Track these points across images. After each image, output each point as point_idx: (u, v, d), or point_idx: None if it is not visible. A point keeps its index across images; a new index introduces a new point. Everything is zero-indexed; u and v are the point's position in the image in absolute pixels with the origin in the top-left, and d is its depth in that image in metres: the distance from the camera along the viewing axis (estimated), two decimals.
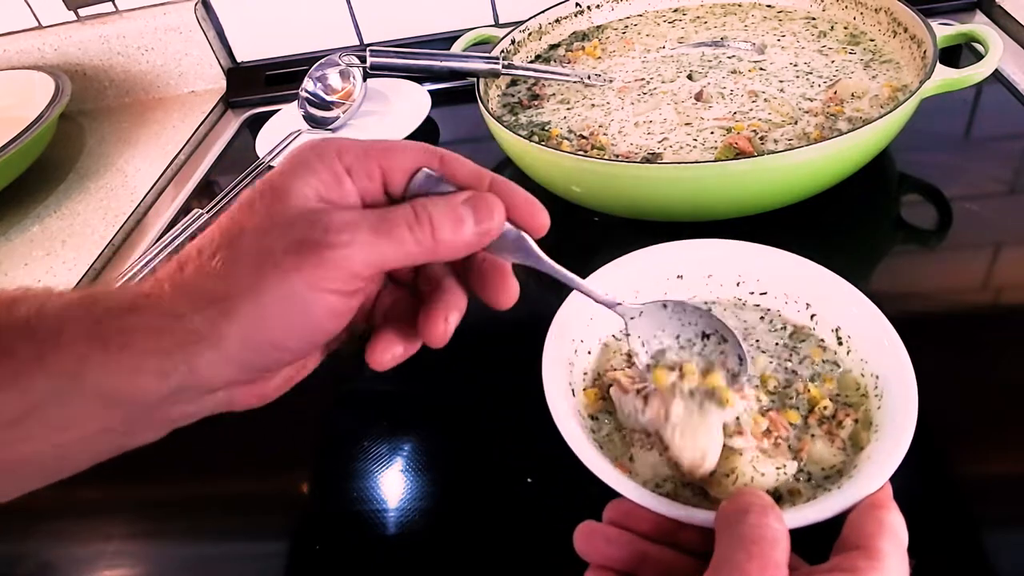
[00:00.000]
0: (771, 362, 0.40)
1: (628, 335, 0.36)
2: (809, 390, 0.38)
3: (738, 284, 0.43)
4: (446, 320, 0.30)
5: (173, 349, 0.24)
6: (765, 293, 0.43)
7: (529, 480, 0.44)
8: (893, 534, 0.29)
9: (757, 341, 0.41)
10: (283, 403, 0.54)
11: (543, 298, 0.61)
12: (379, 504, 0.45)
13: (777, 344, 0.41)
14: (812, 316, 0.41)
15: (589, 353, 0.41)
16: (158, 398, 0.25)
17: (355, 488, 0.46)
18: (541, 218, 0.30)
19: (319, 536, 0.44)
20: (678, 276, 0.44)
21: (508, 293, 0.31)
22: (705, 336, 0.36)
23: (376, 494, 0.46)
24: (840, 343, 0.40)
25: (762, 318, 0.43)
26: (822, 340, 0.41)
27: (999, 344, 0.48)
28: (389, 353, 0.30)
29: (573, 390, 0.38)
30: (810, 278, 0.41)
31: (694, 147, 0.61)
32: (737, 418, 0.34)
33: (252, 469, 0.50)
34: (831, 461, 0.35)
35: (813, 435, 0.36)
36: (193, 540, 0.47)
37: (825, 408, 0.37)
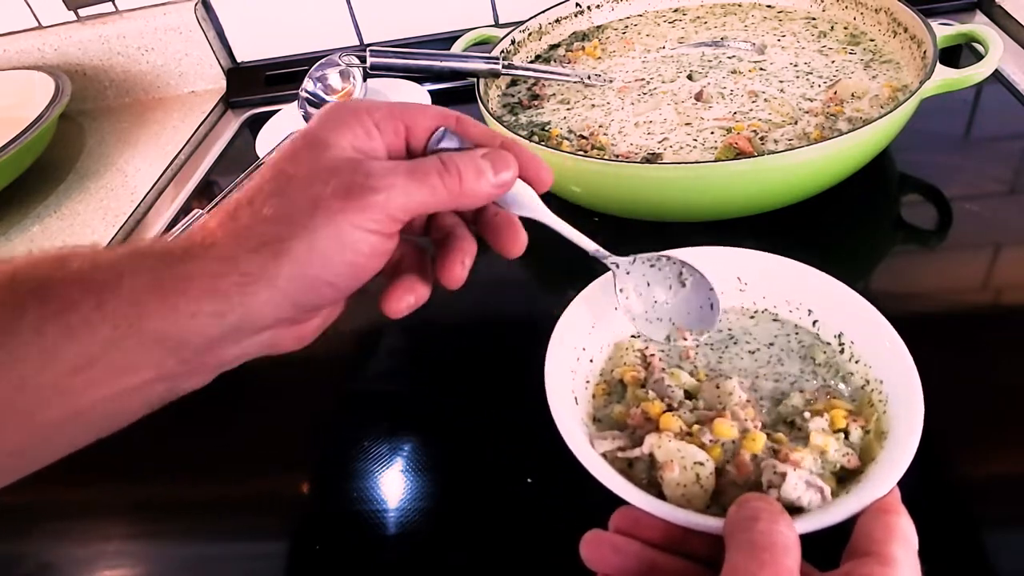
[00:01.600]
0: (769, 367, 0.40)
1: (620, 290, 0.39)
2: (815, 398, 0.38)
3: (740, 291, 0.43)
4: (463, 263, 0.33)
5: (230, 291, 0.26)
6: (766, 298, 0.43)
7: (529, 480, 0.44)
8: (904, 539, 0.28)
9: (759, 347, 0.41)
10: (284, 402, 0.54)
11: (543, 299, 0.61)
12: (379, 504, 0.45)
13: (781, 350, 0.41)
14: (815, 322, 0.41)
15: (591, 361, 0.41)
16: (213, 339, 0.27)
17: (355, 488, 0.46)
18: (545, 174, 0.33)
19: (319, 536, 0.44)
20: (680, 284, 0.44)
21: (518, 242, 0.33)
22: (682, 282, 0.40)
23: (376, 494, 0.46)
24: (843, 349, 0.40)
25: (760, 323, 0.43)
26: (827, 345, 0.40)
27: (999, 344, 0.48)
28: (404, 301, 0.32)
29: (576, 398, 0.38)
30: (812, 284, 0.41)
31: (694, 147, 0.61)
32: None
33: (252, 469, 0.50)
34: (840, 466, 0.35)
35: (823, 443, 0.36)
36: (193, 540, 0.47)
37: (835, 419, 0.37)
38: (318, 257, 0.27)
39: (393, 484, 0.46)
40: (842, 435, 0.36)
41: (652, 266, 0.40)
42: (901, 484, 0.31)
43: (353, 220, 0.27)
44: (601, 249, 0.38)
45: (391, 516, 0.44)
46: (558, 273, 0.60)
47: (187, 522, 0.48)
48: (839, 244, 0.58)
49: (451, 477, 0.46)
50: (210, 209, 0.71)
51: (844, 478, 0.34)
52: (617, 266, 0.39)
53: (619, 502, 0.32)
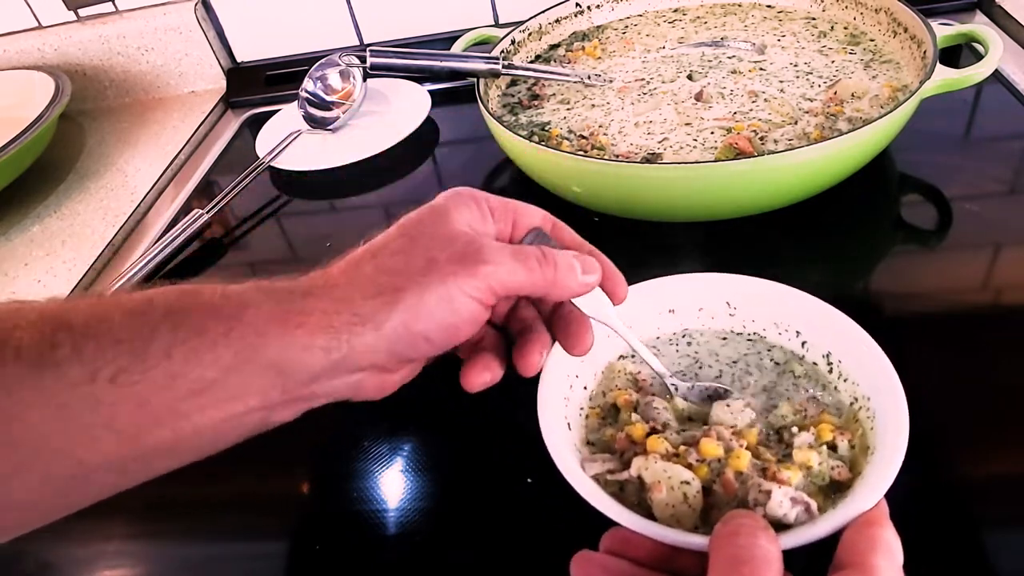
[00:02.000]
0: (763, 392, 0.40)
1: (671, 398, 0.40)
2: (804, 415, 0.38)
3: (730, 315, 0.43)
4: (540, 353, 0.36)
5: (341, 328, 0.29)
6: (755, 321, 0.43)
7: (529, 480, 0.44)
8: (887, 550, 0.29)
9: (748, 369, 0.42)
10: None
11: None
12: (379, 504, 0.45)
13: (769, 371, 0.41)
14: (803, 343, 0.42)
15: (585, 388, 0.42)
16: (316, 373, 0.29)
17: (355, 488, 0.46)
18: (622, 290, 0.37)
19: (319, 536, 0.44)
20: (670, 310, 0.44)
21: (585, 341, 0.36)
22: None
23: (376, 494, 0.46)
24: (831, 368, 0.40)
25: (753, 346, 0.43)
26: (814, 364, 0.41)
27: (999, 344, 0.48)
28: (482, 377, 0.36)
29: (569, 424, 0.39)
30: (799, 306, 0.42)
31: (694, 147, 0.61)
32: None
33: (252, 469, 0.50)
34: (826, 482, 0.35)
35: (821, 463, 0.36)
36: (193, 540, 0.47)
37: (821, 433, 0.37)
38: (425, 311, 0.30)
39: (393, 484, 0.46)
40: (829, 448, 0.36)
41: (706, 394, 0.40)
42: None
43: (461, 284, 0.31)
44: (666, 371, 0.40)
45: (391, 516, 0.44)
46: None
47: (187, 522, 0.48)
48: (839, 244, 0.58)
49: (451, 477, 0.47)
50: (210, 210, 0.71)
51: (835, 490, 0.35)
52: (676, 388, 0.40)
53: (611, 523, 0.32)
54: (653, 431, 0.37)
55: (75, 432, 0.26)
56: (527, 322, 0.37)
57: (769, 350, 0.43)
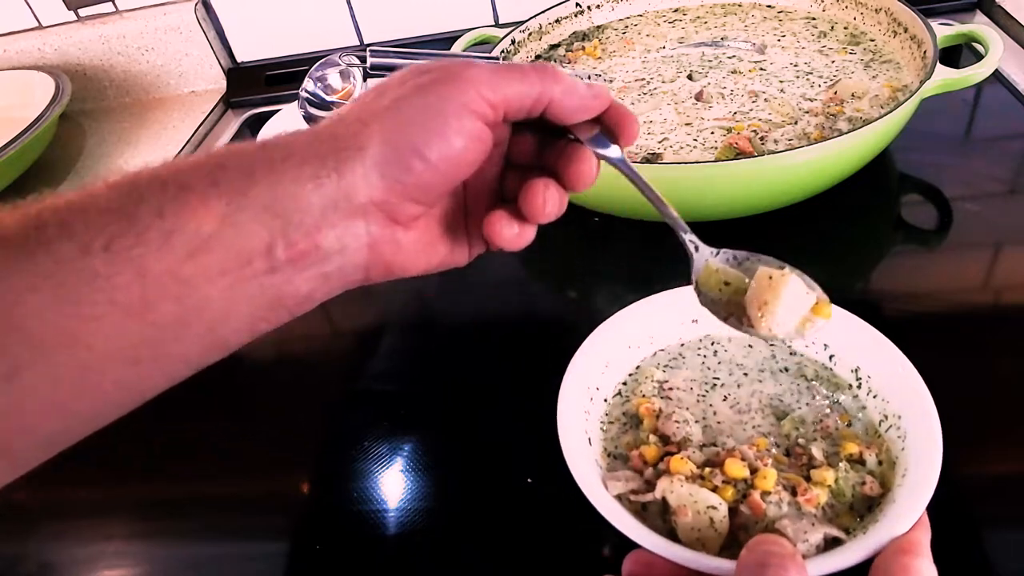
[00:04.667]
0: (793, 405, 0.40)
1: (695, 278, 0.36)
2: (835, 431, 0.38)
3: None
4: (543, 188, 0.32)
5: (326, 155, 0.28)
6: None
7: (529, 480, 0.44)
8: None
9: (775, 381, 0.41)
10: (284, 403, 0.54)
11: (543, 299, 0.61)
12: (379, 504, 0.45)
13: (796, 385, 0.41)
14: (831, 356, 0.41)
15: (605, 401, 0.41)
16: (314, 212, 0.27)
17: (355, 488, 0.46)
18: (633, 125, 0.34)
19: (319, 536, 0.44)
20: (693, 320, 0.43)
21: (589, 172, 0.33)
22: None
23: (376, 494, 0.46)
24: (860, 383, 0.40)
25: (776, 359, 0.43)
26: (842, 380, 0.40)
27: (999, 344, 0.48)
28: (507, 227, 0.32)
29: (590, 439, 0.38)
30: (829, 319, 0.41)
31: (694, 147, 0.61)
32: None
33: (252, 469, 0.50)
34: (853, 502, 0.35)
35: (837, 478, 0.35)
36: (193, 540, 0.47)
37: (845, 448, 0.37)
38: (406, 124, 0.28)
39: (393, 484, 0.46)
40: (857, 463, 0.36)
41: (734, 262, 0.37)
42: None
43: (442, 93, 0.28)
44: (683, 223, 0.36)
45: (391, 516, 0.44)
46: (558, 273, 0.60)
47: (187, 522, 0.48)
48: (839, 244, 0.58)
49: (451, 477, 0.46)
50: None
51: (866, 507, 0.34)
52: (696, 249, 0.36)
53: (617, 533, 0.32)
54: (668, 453, 0.37)
55: (77, 312, 0.24)
56: (523, 178, 0.34)
57: (792, 354, 0.42)
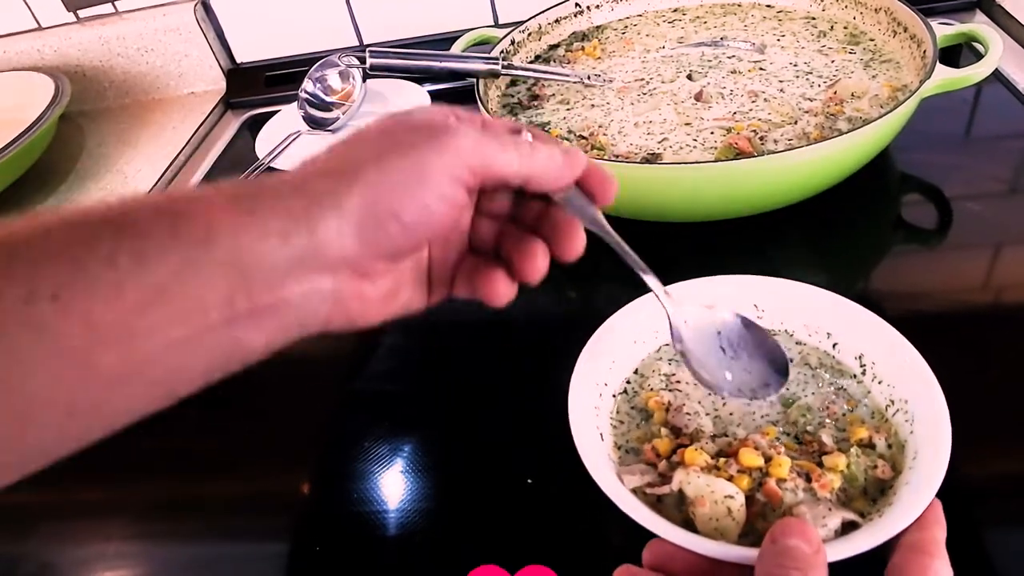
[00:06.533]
0: (798, 393, 0.40)
1: (673, 334, 0.37)
2: (842, 416, 0.38)
3: (758, 318, 0.43)
4: (543, 254, 0.33)
5: (297, 211, 0.26)
6: (783, 324, 0.43)
7: (529, 481, 0.44)
8: None
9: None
10: (284, 403, 0.54)
11: (543, 299, 0.61)
12: (379, 505, 0.45)
13: (801, 374, 0.41)
14: (834, 345, 0.41)
15: (614, 396, 0.41)
16: (279, 268, 0.26)
17: (356, 489, 0.46)
18: (611, 187, 0.34)
19: (319, 537, 0.44)
20: None
21: (576, 243, 0.34)
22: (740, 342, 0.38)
23: (376, 495, 0.46)
24: (864, 370, 0.40)
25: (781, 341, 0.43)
26: (847, 367, 0.41)
27: (1000, 344, 0.48)
28: (505, 286, 0.33)
29: (601, 434, 0.38)
30: (829, 307, 0.41)
31: (694, 147, 0.61)
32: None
33: (252, 469, 0.50)
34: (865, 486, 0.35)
35: (849, 463, 0.36)
36: (193, 541, 0.47)
37: (855, 432, 0.37)
38: (387, 183, 0.27)
39: (393, 485, 0.46)
40: (867, 448, 0.36)
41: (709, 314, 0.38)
42: None
43: (424, 155, 0.28)
44: (657, 282, 0.37)
45: (391, 517, 0.44)
46: (558, 273, 0.59)
47: (187, 522, 0.48)
48: (839, 244, 0.58)
49: (451, 478, 0.46)
50: None
51: (878, 491, 0.35)
52: (671, 310, 0.37)
53: (643, 532, 0.32)
54: (680, 445, 0.37)
55: (16, 361, 0.23)
56: (517, 235, 0.34)
57: (796, 344, 0.42)
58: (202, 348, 0.26)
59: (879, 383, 0.39)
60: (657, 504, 0.35)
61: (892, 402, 0.38)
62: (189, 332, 0.25)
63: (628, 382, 0.42)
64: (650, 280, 0.37)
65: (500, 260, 0.34)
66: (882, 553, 0.30)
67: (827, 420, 0.38)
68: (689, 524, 0.34)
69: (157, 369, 0.25)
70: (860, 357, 0.40)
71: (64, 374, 0.23)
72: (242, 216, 0.26)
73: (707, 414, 0.39)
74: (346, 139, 0.30)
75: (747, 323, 0.38)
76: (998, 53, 0.58)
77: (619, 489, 0.34)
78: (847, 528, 0.33)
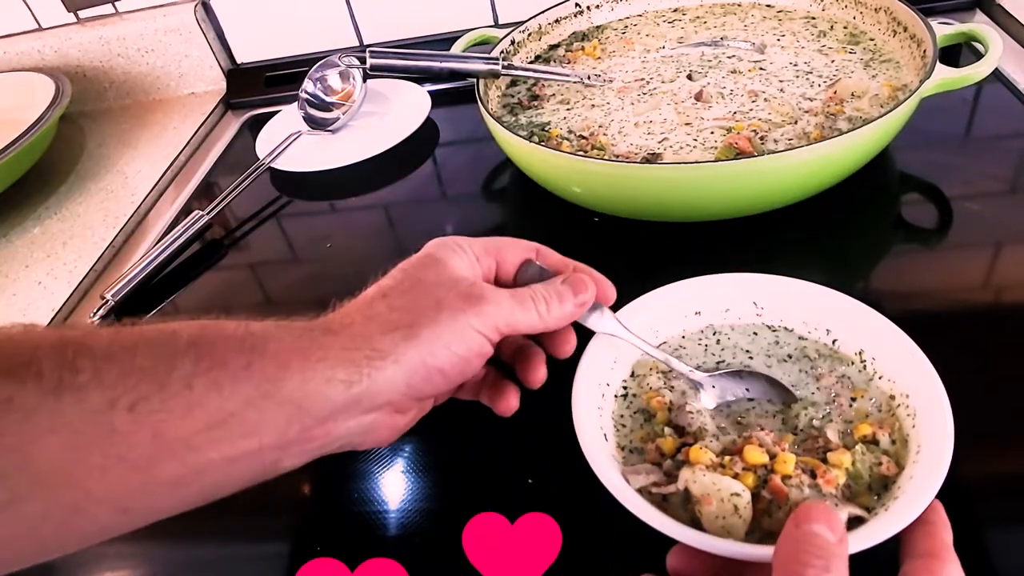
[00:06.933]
0: (805, 391, 0.40)
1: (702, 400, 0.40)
2: (848, 407, 0.38)
3: (757, 315, 0.43)
4: (544, 365, 0.38)
5: (362, 363, 0.30)
6: (783, 321, 0.43)
7: (529, 480, 0.44)
8: None
9: (780, 369, 0.42)
10: None
11: None
12: (380, 505, 0.45)
13: (801, 371, 0.41)
14: (834, 341, 0.41)
15: (616, 397, 0.41)
16: (336, 408, 0.30)
17: (356, 489, 0.46)
18: (610, 292, 0.38)
19: (320, 537, 0.44)
20: (696, 312, 0.44)
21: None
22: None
23: (377, 495, 0.46)
24: (865, 366, 0.40)
25: (779, 337, 0.43)
26: (849, 363, 0.41)
27: (1000, 343, 0.48)
28: (514, 401, 0.38)
29: (605, 435, 0.38)
30: (828, 304, 0.41)
31: (694, 147, 0.61)
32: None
33: None
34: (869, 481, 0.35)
35: (854, 461, 0.36)
36: (193, 541, 0.47)
37: (859, 429, 0.37)
38: (440, 344, 0.31)
39: (393, 485, 0.46)
40: (871, 444, 0.36)
41: (734, 378, 0.41)
42: None
43: (470, 320, 0.32)
44: (684, 366, 0.40)
45: (392, 517, 0.44)
46: None
47: (187, 522, 0.48)
48: (839, 244, 0.58)
49: (451, 478, 0.47)
50: (211, 211, 0.71)
51: (883, 487, 0.35)
52: (701, 385, 0.40)
53: (648, 533, 0.32)
54: (684, 444, 0.37)
55: (86, 460, 0.25)
56: (518, 344, 0.39)
57: (799, 339, 0.42)
58: (248, 468, 0.29)
59: (880, 378, 0.39)
60: (663, 503, 0.35)
61: (893, 396, 0.38)
62: (242, 452, 0.28)
63: (630, 379, 0.42)
64: (700, 375, 0.40)
65: (503, 366, 0.39)
66: (886, 550, 0.30)
67: (832, 414, 0.38)
68: (696, 523, 0.34)
69: (205, 479, 0.28)
70: (860, 352, 0.40)
71: (125, 477, 0.26)
72: (311, 363, 0.29)
73: (709, 412, 0.39)
74: (398, 286, 0.33)
75: (772, 381, 0.40)
76: (998, 53, 0.58)
77: (626, 489, 0.34)
78: (852, 524, 0.33)
